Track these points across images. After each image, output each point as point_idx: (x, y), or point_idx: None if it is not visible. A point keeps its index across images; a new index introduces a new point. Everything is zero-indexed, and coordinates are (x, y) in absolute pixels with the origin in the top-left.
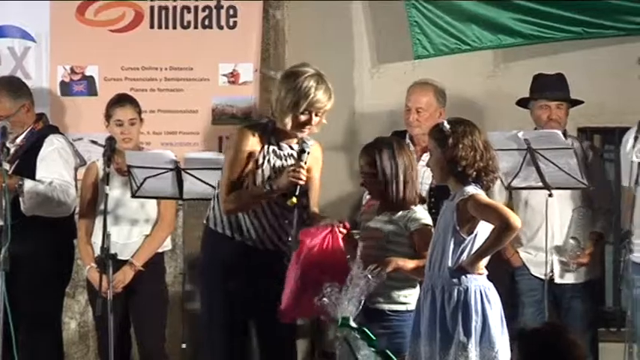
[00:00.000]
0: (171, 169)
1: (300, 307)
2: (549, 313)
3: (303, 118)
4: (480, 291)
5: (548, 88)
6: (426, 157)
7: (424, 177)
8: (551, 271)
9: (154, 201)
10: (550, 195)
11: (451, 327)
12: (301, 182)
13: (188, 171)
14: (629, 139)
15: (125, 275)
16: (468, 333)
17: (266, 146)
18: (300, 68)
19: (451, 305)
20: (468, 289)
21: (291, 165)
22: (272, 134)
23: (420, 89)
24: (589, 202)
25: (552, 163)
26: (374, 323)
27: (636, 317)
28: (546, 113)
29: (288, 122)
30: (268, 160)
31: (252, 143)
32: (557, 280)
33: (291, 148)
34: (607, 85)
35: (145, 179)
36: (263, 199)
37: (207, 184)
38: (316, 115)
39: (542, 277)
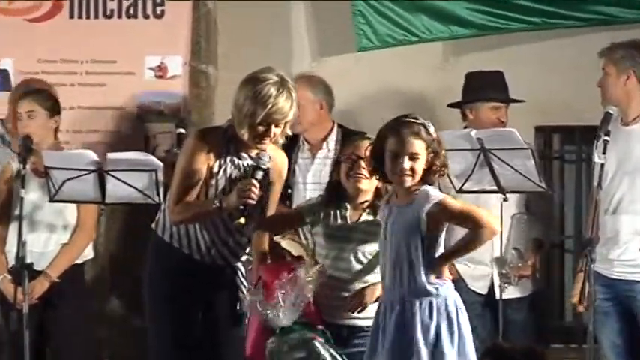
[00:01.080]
0: (92, 171)
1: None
2: (491, 327)
3: (260, 129)
4: (454, 300)
5: (497, 87)
6: (321, 154)
7: (321, 176)
8: (492, 285)
9: (74, 206)
10: (505, 199)
11: (432, 340)
12: (252, 202)
13: (111, 173)
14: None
15: (40, 286)
16: (451, 345)
17: (223, 154)
18: (262, 74)
19: (434, 317)
20: (446, 298)
21: (242, 182)
22: (231, 141)
23: None
24: (528, 207)
25: (507, 164)
26: (350, 340)
27: (599, 332)
28: (497, 115)
29: (245, 133)
30: (224, 171)
31: (208, 150)
32: (498, 295)
33: (252, 158)
34: (567, 81)
35: (64, 182)
36: (212, 216)
37: (133, 187)
38: (276, 126)
39: (480, 291)
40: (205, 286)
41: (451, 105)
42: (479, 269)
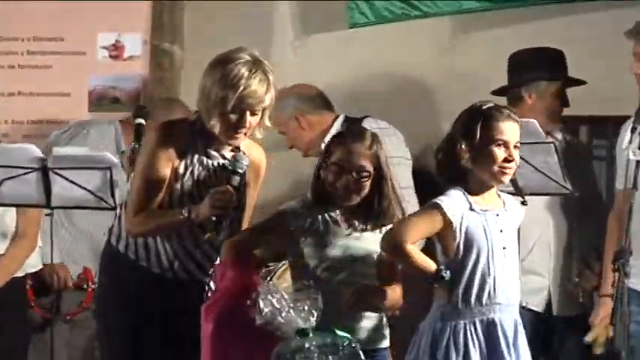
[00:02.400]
0: (35, 169)
1: None
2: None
3: (233, 118)
4: None
5: (563, 68)
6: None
7: None
8: (549, 300)
9: (14, 210)
10: (523, 203)
11: None
12: (227, 212)
13: (58, 171)
14: (626, 131)
15: None
16: None
17: (190, 152)
18: (232, 54)
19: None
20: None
21: (216, 190)
22: (199, 137)
23: None
24: (586, 211)
25: (526, 161)
26: None
27: (634, 358)
28: (558, 101)
29: (216, 124)
30: (191, 172)
31: (172, 147)
32: (556, 311)
33: (224, 157)
34: (597, 63)
35: (2, 181)
36: (179, 227)
37: (83, 187)
38: (252, 114)
39: (536, 308)
40: (166, 305)
41: (496, 92)
42: (533, 281)
